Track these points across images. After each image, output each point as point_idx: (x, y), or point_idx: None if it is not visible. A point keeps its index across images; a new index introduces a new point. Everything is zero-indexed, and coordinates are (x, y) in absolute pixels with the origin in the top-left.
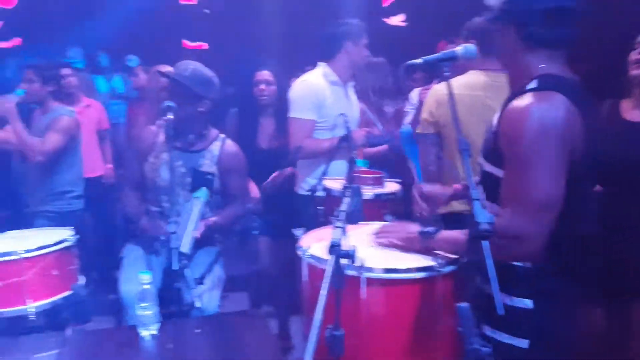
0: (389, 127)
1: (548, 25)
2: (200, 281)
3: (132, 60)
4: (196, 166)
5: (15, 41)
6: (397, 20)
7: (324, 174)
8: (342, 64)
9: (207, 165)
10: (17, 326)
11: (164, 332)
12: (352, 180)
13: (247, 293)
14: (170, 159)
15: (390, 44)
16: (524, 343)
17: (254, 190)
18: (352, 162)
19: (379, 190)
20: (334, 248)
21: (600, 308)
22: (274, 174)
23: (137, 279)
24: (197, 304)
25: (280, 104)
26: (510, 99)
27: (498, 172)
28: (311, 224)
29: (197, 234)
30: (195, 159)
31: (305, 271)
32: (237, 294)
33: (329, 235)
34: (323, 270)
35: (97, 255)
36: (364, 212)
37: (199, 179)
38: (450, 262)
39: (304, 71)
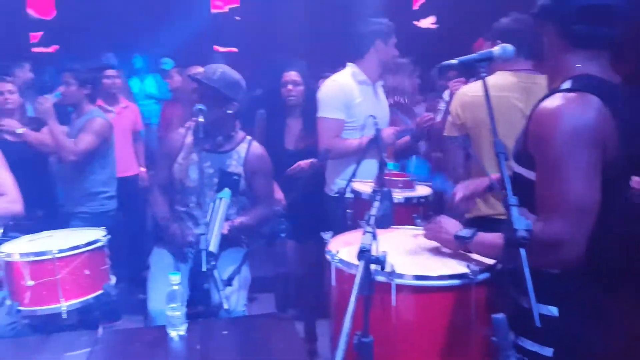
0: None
1: (590, 24)
2: (228, 282)
3: (167, 62)
4: (223, 167)
5: (54, 47)
6: (428, 22)
7: (353, 175)
8: (371, 63)
9: (234, 166)
10: (50, 324)
11: (191, 332)
12: (383, 183)
13: (272, 294)
14: (198, 160)
15: (420, 46)
16: (548, 351)
17: (278, 192)
18: (382, 165)
19: (409, 194)
20: (364, 253)
21: (629, 317)
22: (298, 163)
23: (162, 293)
24: (225, 306)
25: (308, 105)
26: (543, 99)
27: (528, 174)
28: (339, 227)
29: (224, 231)
30: (222, 160)
31: (333, 276)
32: (263, 295)
33: (358, 239)
34: (351, 275)
35: (128, 255)
36: (394, 216)
37: (225, 180)
38: (484, 269)
39: (332, 72)
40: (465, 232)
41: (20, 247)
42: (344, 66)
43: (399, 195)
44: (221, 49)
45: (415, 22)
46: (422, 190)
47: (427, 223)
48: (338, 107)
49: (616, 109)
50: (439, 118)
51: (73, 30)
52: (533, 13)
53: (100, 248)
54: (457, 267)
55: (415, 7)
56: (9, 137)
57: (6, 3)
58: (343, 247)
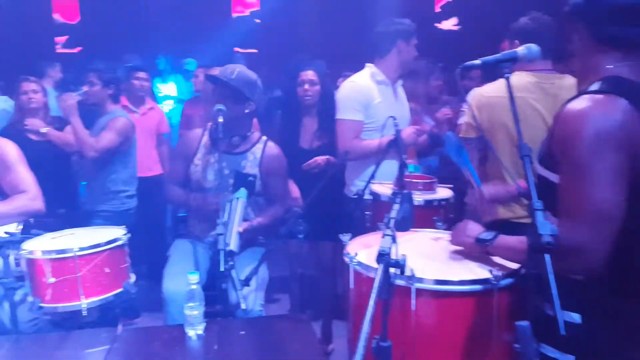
0: (441, 128)
1: (622, 24)
2: (246, 283)
3: (190, 63)
4: (239, 168)
5: (78, 48)
6: (450, 24)
7: (372, 176)
8: (391, 63)
9: (249, 167)
10: (71, 321)
11: (209, 332)
12: (403, 185)
13: (287, 295)
14: (213, 160)
15: (442, 48)
16: (569, 359)
17: (295, 190)
18: (402, 167)
19: (430, 196)
20: (383, 257)
21: None
22: (315, 159)
23: (181, 276)
24: (243, 306)
25: (324, 104)
26: (570, 100)
27: (553, 177)
28: (358, 229)
29: (241, 229)
30: (238, 161)
31: (351, 278)
32: (281, 295)
33: (376, 241)
34: (370, 278)
35: (148, 252)
36: (414, 218)
37: (241, 181)
38: (507, 274)
39: (352, 71)
40: (487, 235)
41: (43, 245)
42: (363, 66)
43: (419, 197)
44: (242, 50)
45: (437, 25)
46: (443, 192)
47: (451, 228)
48: (357, 108)
49: None
50: (462, 120)
51: (97, 34)
52: (563, 11)
53: (121, 246)
54: (479, 271)
55: (437, 9)
56: (33, 136)
57: (33, 8)
58: (362, 250)
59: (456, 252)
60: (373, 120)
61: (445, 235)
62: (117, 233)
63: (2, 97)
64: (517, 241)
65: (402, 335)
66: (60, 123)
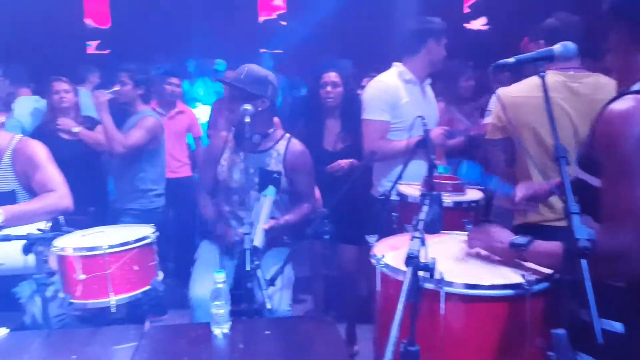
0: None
1: None
2: (271, 282)
3: (220, 64)
4: (263, 166)
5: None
6: (479, 24)
7: (400, 177)
8: (421, 63)
9: (274, 164)
10: (99, 317)
11: (235, 331)
12: (432, 186)
13: (311, 295)
14: (238, 160)
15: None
16: None
17: (316, 192)
18: (431, 167)
19: (459, 198)
20: (412, 259)
21: None
22: (338, 162)
23: (208, 282)
24: (268, 305)
25: (347, 105)
26: (612, 100)
27: (593, 180)
28: (384, 230)
29: (267, 227)
30: (262, 159)
31: (378, 280)
32: (304, 296)
33: (403, 243)
34: (397, 281)
35: (175, 251)
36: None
37: (266, 178)
38: (541, 279)
39: (378, 72)
40: (521, 240)
41: (73, 242)
42: (389, 66)
43: (448, 199)
44: (268, 51)
45: (466, 25)
46: (473, 194)
47: (472, 230)
48: (383, 108)
49: None
50: (487, 121)
51: (126, 37)
52: (602, 10)
53: (149, 244)
54: (511, 276)
55: (466, 9)
56: (64, 136)
57: (65, 13)
58: (389, 252)
59: (487, 255)
60: (400, 120)
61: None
62: (146, 231)
63: (34, 97)
64: (553, 246)
65: (431, 340)
66: (91, 123)
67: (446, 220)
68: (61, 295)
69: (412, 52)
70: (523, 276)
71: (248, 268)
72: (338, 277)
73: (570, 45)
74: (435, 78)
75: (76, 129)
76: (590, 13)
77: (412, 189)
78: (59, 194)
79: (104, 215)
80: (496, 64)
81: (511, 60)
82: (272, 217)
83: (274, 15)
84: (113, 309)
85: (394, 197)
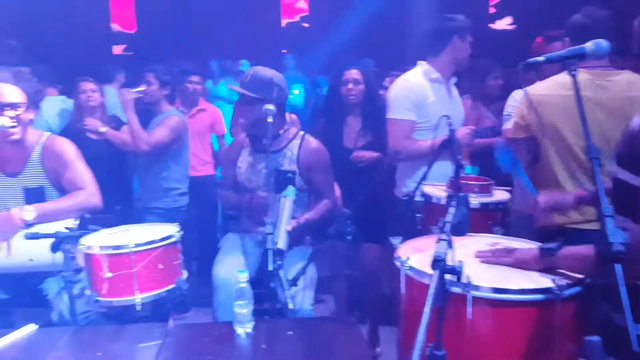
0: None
1: None
2: (294, 282)
3: (244, 64)
4: (277, 166)
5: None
6: (504, 23)
7: (424, 177)
8: (446, 61)
9: (287, 163)
10: (124, 314)
11: (257, 331)
12: (459, 187)
13: (333, 296)
14: (253, 161)
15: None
16: None
17: (335, 189)
18: (458, 168)
19: (486, 199)
20: (439, 263)
21: None
22: (364, 153)
23: (232, 264)
24: (290, 305)
25: (368, 103)
26: None
27: (634, 179)
28: (408, 232)
29: (289, 228)
30: (276, 159)
31: (402, 283)
32: (324, 296)
33: (428, 246)
34: (422, 284)
35: (198, 249)
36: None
37: (281, 178)
38: (572, 284)
39: (400, 71)
40: (551, 244)
41: (100, 240)
42: (412, 66)
43: (474, 200)
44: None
45: (491, 25)
46: (500, 195)
47: (492, 252)
48: (409, 107)
49: None
50: (508, 125)
51: (151, 42)
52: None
53: (174, 243)
54: (541, 280)
55: (491, 9)
56: (91, 135)
57: (92, 17)
58: (413, 254)
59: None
60: (426, 120)
61: (503, 241)
62: (171, 230)
63: (61, 97)
64: (584, 250)
65: (457, 344)
66: (116, 123)
67: (473, 221)
68: (88, 292)
69: (437, 51)
70: (553, 280)
71: (270, 268)
72: (360, 278)
73: (603, 43)
74: (462, 76)
75: (103, 128)
76: (619, 7)
77: (436, 190)
78: (88, 191)
79: (129, 213)
80: (526, 62)
81: (541, 58)
82: (293, 217)
83: (297, 18)
84: (138, 307)
85: (418, 198)
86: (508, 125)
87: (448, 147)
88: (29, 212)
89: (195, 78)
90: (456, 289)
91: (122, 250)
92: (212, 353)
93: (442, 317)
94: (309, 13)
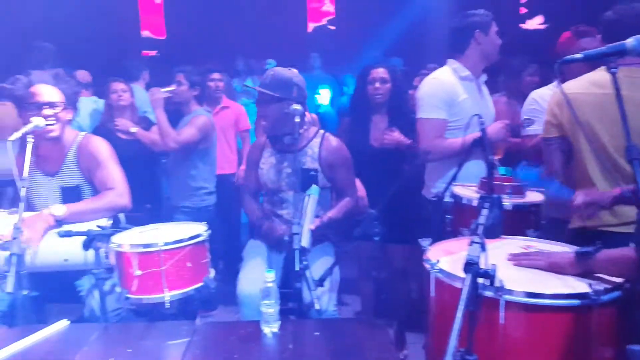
0: None
1: None
2: (320, 283)
3: (270, 63)
4: (300, 165)
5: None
6: (535, 23)
7: (455, 178)
8: (473, 57)
9: (309, 162)
10: (154, 312)
11: (284, 330)
12: (492, 188)
13: (357, 297)
14: (275, 162)
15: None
16: None
17: (361, 189)
18: (491, 168)
19: (519, 201)
20: (471, 266)
21: None
22: (392, 135)
23: (255, 279)
24: (317, 306)
25: (395, 102)
26: None
27: None
28: (436, 233)
29: (313, 227)
30: (298, 159)
31: (432, 286)
32: (347, 297)
33: (459, 248)
34: (452, 287)
35: (224, 247)
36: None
37: (304, 177)
38: (610, 288)
39: (430, 69)
40: (587, 248)
41: (131, 239)
42: (441, 63)
43: (507, 202)
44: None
45: (522, 25)
46: (533, 196)
47: (525, 255)
48: (439, 105)
49: None
50: (533, 129)
51: (181, 48)
52: None
53: (202, 242)
54: (577, 285)
55: (522, 10)
56: (122, 136)
57: (123, 26)
58: (443, 256)
59: None
60: (457, 119)
61: (537, 244)
62: (199, 229)
63: (92, 98)
64: (623, 252)
65: (489, 350)
66: (146, 123)
67: (505, 224)
68: (118, 290)
69: (461, 49)
70: (590, 285)
71: (297, 268)
72: (387, 280)
73: None
74: (497, 73)
75: (134, 129)
76: None
77: (467, 191)
78: (117, 192)
79: (159, 212)
80: (563, 59)
81: (579, 55)
82: (316, 216)
83: (324, 22)
84: (167, 305)
85: (447, 199)
86: (531, 129)
87: (480, 146)
88: (60, 211)
89: (216, 75)
90: (488, 293)
91: (151, 249)
92: (239, 352)
93: (474, 322)
94: (335, 16)
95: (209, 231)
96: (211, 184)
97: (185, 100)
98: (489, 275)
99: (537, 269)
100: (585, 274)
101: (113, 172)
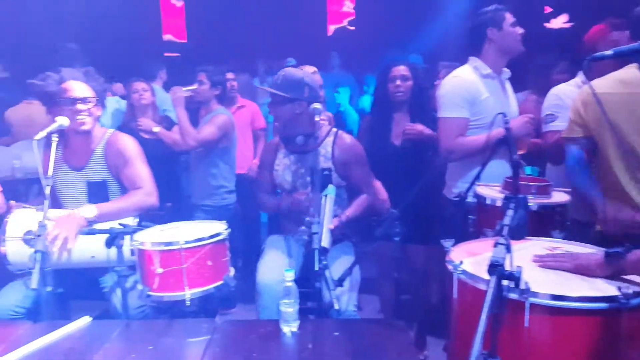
0: None
1: None
2: (339, 283)
3: (290, 61)
4: (313, 165)
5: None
6: (560, 22)
7: (478, 177)
8: (491, 55)
9: (323, 161)
10: (174, 309)
11: (303, 330)
12: (517, 189)
13: (375, 297)
14: (289, 162)
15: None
16: None
17: (383, 192)
18: (516, 167)
19: (544, 201)
20: (496, 268)
21: None
22: (414, 126)
23: (275, 269)
24: (336, 306)
25: (416, 99)
26: None
27: None
28: (459, 234)
29: (332, 226)
30: (311, 159)
31: (455, 287)
32: (366, 297)
33: (482, 249)
34: (476, 289)
35: (243, 246)
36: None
37: (318, 177)
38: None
39: (451, 66)
40: (616, 248)
41: (152, 237)
42: (462, 61)
43: (532, 202)
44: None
45: (547, 25)
46: (559, 197)
47: (551, 257)
48: (461, 104)
49: None
50: (554, 125)
51: (202, 49)
52: None
53: (222, 241)
54: (605, 287)
55: (547, 9)
56: (144, 135)
57: (146, 29)
58: (466, 257)
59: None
60: (480, 117)
61: (563, 245)
62: (219, 227)
63: (115, 98)
64: None
65: (513, 353)
66: (168, 123)
67: (530, 224)
68: (140, 287)
69: (478, 48)
70: (619, 288)
71: (316, 268)
72: (408, 280)
73: None
74: (526, 70)
75: (156, 128)
76: None
77: (491, 191)
78: (145, 190)
79: (180, 210)
80: (593, 56)
81: (609, 52)
82: (335, 215)
83: (344, 23)
84: (188, 303)
85: (470, 199)
86: (554, 125)
87: (504, 144)
88: (91, 211)
89: (230, 75)
90: (513, 295)
91: (173, 247)
92: (258, 350)
93: (498, 325)
94: (355, 17)
95: (229, 230)
96: (231, 183)
97: (207, 99)
98: (514, 277)
99: (564, 270)
100: (613, 275)
101: (141, 171)
